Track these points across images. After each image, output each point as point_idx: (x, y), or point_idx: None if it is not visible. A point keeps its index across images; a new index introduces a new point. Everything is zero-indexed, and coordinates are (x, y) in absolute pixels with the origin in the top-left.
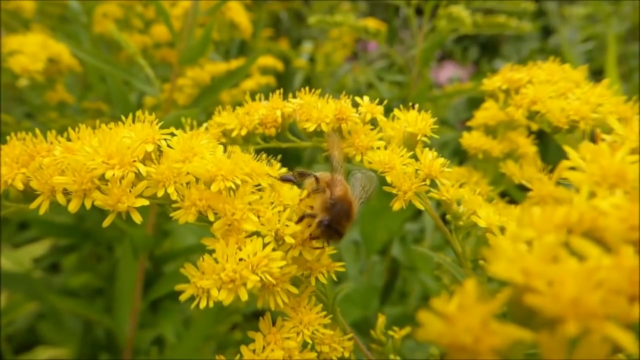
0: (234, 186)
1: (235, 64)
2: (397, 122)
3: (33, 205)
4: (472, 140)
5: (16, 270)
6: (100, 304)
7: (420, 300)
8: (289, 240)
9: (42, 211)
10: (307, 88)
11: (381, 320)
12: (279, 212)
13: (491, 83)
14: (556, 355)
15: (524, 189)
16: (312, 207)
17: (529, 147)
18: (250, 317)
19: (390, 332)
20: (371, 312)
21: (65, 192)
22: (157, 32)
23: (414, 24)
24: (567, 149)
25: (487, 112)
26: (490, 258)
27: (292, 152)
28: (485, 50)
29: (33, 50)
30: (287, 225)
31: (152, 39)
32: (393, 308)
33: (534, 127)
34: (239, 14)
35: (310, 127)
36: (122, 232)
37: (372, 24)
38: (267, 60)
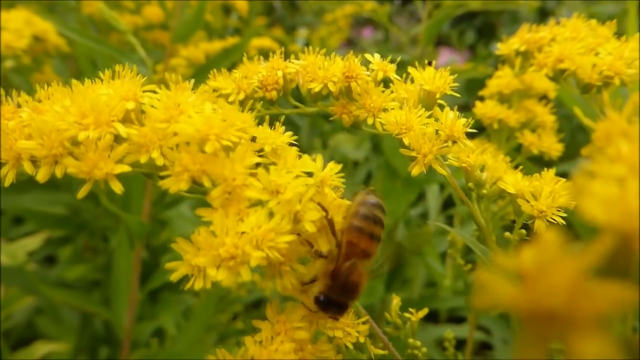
0: (231, 144)
1: (231, 41)
2: (411, 85)
3: None
4: (486, 109)
5: (11, 263)
6: (97, 296)
7: (425, 286)
8: (310, 227)
9: (7, 182)
10: (310, 48)
11: (396, 302)
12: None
13: (507, 46)
14: None
15: (539, 162)
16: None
17: (546, 116)
18: (250, 307)
19: (407, 315)
20: (376, 299)
21: (34, 160)
22: (148, 13)
23: (418, 2)
24: None
25: (501, 80)
26: (578, 200)
27: None
28: (482, 34)
29: (17, 27)
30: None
31: (143, 20)
32: (397, 294)
33: (552, 95)
34: None
35: (316, 87)
36: (117, 221)
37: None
38: (265, 42)
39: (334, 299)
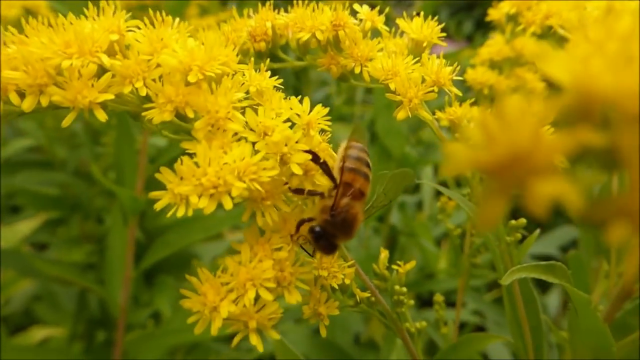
0: (214, 76)
1: (224, 16)
2: (400, 39)
3: None
4: (477, 74)
5: (7, 246)
6: (91, 277)
7: (419, 270)
8: (296, 170)
9: None
10: (299, 2)
11: (384, 255)
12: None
13: (497, 11)
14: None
15: None
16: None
17: (537, 82)
18: None
19: (394, 267)
20: (370, 276)
21: (20, 92)
22: None
23: None
24: None
25: (492, 48)
26: (539, 60)
27: None
28: (480, 25)
29: None
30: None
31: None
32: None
33: None
34: None
35: (305, 36)
36: (112, 201)
37: None
38: None
39: (329, 233)
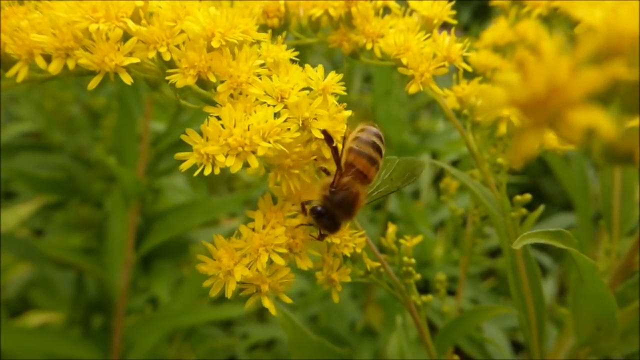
0: (236, 42)
1: None
2: (410, 18)
3: (10, 73)
4: (480, 57)
5: (5, 230)
6: (91, 260)
7: (415, 258)
8: (317, 134)
9: (20, 78)
10: None
11: (392, 229)
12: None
13: None
14: None
15: None
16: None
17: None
18: None
19: (401, 241)
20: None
21: (46, 57)
22: None
23: None
24: None
25: (496, 32)
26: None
27: None
28: (477, 15)
29: None
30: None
31: None
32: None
33: None
34: None
35: (317, 12)
36: (110, 185)
37: None
38: None
39: (331, 212)
